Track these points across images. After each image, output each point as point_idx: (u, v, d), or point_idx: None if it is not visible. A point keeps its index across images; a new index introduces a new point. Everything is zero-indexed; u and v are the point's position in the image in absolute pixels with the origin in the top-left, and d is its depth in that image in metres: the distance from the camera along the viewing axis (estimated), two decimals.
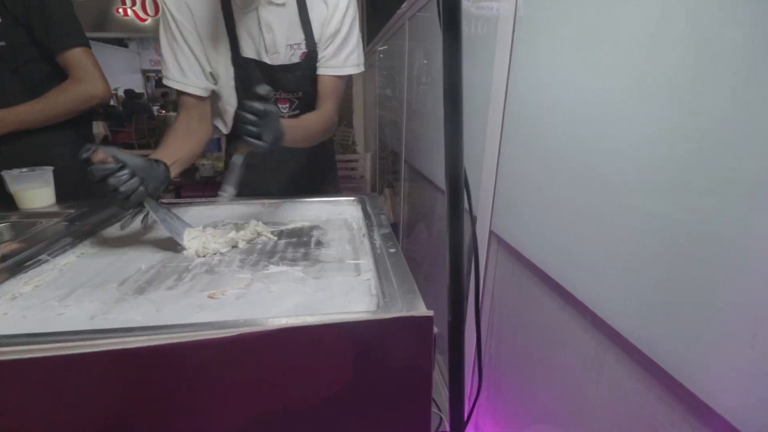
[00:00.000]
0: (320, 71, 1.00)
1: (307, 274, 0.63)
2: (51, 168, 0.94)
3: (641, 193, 0.59)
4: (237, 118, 0.71)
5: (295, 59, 0.99)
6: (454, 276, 0.43)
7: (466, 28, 1.22)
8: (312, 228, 0.84)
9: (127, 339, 0.39)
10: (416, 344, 0.44)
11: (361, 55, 1.04)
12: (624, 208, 0.62)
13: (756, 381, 0.35)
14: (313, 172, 1.21)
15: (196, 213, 0.94)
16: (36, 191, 0.91)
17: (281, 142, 0.74)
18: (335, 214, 0.94)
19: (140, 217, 0.85)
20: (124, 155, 0.68)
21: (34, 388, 0.40)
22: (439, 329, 0.51)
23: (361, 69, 1.04)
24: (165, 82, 0.95)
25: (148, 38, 9.13)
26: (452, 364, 0.46)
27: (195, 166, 2.20)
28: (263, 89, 0.70)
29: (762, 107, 0.36)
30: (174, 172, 0.82)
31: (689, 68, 0.45)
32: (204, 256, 0.69)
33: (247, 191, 1.01)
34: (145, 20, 6.50)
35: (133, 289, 0.57)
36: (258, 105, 0.68)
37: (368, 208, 0.92)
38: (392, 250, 0.67)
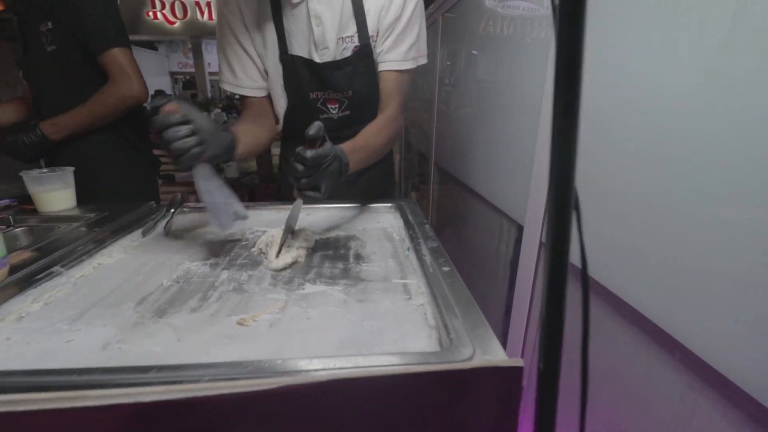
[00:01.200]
0: (381, 66, 0.91)
1: (348, 295, 0.54)
2: (72, 169, 0.89)
3: (738, 200, 0.48)
4: (288, 170, 0.67)
5: (347, 53, 0.90)
6: (551, 311, 0.33)
7: (512, 26, 1.12)
8: (348, 239, 0.75)
9: (140, 390, 0.31)
10: (500, 401, 0.34)
11: (425, 45, 0.95)
12: (719, 218, 0.51)
13: None
14: (373, 178, 1.09)
15: None
16: (55, 194, 0.86)
17: (340, 181, 0.70)
18: (372, 222, 0.85)
19: (163, 223, 0.79)
20: (195, 113, 0.62)
21: None
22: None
23: (424, 61, 0.96)
24: (221, 85, 0.96)
25: (176, 41, 9.34)
26: (540, 426, 0.36)
27: (221, 167, 2.16)
28: (314, 129, 0.63)
29: None
30: (239, 149, 0.75)
31: None
32: (282, 270, 0.62)
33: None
34: (173, 23, 6.61)
35: (153, 311, 0.50)
36: (309, 153, 0.62)
37: (409, 216, 0.82)
38: (446, 269, 0.58)
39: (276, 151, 2.05)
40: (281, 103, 0.97)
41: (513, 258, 1.19)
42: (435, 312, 0.48)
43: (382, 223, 0.84)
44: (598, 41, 0.75)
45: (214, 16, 7.27)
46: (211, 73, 7.66)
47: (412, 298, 0.53)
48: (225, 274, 0.60)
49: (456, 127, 1.78)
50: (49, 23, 1.03)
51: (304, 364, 0.36)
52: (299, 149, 0.63)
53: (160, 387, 0.31)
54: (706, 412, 0.58)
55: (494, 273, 1.33)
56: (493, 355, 0.39)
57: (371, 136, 0.86)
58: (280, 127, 1.02)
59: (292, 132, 1.02)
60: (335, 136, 0.72)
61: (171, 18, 6.28)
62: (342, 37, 0.89)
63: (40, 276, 0.56)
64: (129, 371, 0.36)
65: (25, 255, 0.62)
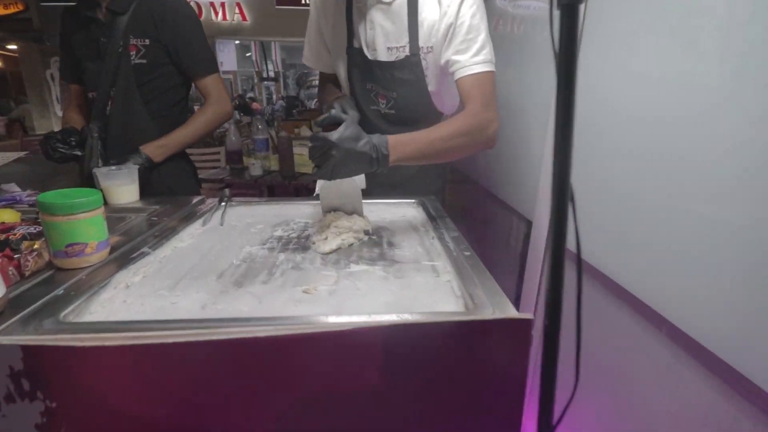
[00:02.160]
0: (454, 77, 0.93)
1: (387, 273, 0.66)
2: (137, 166, 1.02)
3: (731, 198, 0.58)
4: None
5: (392, 59, 0.98)
6: (554, 274, 0.44)
7: (525, 27, 1.22)
8: (380, 229, 0.87)
9: (253, 328, 0.43)
10: (514, 348, 0.46)
11: (491, 51, 0.92)
12: (707, 214, 0.62)
13: None
14: (422, 178, 1.15)
15: (258, 211, 0.99)
16: (124, 188, 0.98)
17: (376, 171, 0.76)
18: (398, 215, 0.97)
19: (219, 213, 0.91)
20: (351, 116, 0.79)
21: (169, 370, 0.45)
22: None
23: (492, 68, 0.91)
24: (303, 60, 1.17)
25: None
26: (545, 372, 0.47)
27: (245, 165, 2.29)
28: (323, 115, 0.75)
29: None
30: None
31: None
32: (329, 252, 0.74)
33: None
34: None
35: (232, 282, 0.62)
36: (311, 134, 0.75)
37: (431, 211, 0.94)
38: (467, 253, 0.69)
39: (297, 150, 2.17)
40: (344, 89, 1.10)
41: (523, 250, 1.30)
42: (460, 285, 0.59)
43: (407, 217, 0.96)
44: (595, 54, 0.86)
45: (228, 16, 7.27)
46: (224, 72, 7.81)
47: (439, 275, 0.65)
48: (282, 256, 0.72)
49: None
50: (147, 40, 1.17)
51: (367, 317, 0.48)
52: (318, 128, 0.76)
53: (267, 327, 0.43)
54: (689, 380, 0.68)
55: (505, 265, 1.45)
56: (509, 313, 0.50)
57: (438, 129, 0.84)
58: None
59: None
60: (383, 131, 0.80)
61: None
62: (390, 47, 0.98)
63: (134, 255, 0.69)
64: (234, 321, 0.48)
65: (116, 238, 0.75)
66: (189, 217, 0.90)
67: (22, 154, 1.40)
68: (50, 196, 0.61)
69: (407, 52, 0.96)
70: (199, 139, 1.28)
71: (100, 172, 0.97)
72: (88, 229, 0.63)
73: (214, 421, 0.47)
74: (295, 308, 0.54)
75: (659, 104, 0.71)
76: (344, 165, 0.72)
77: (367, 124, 1.05)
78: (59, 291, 0.56)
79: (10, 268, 0.69)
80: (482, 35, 0.92)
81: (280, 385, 0.46)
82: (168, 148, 1.20)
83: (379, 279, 0.63)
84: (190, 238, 0.81)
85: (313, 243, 0.76)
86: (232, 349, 0.43)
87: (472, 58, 0.91)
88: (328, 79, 1.18)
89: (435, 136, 0.82)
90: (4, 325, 0.47)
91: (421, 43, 0.95)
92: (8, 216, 0.86)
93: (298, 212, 0.99)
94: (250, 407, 0.47)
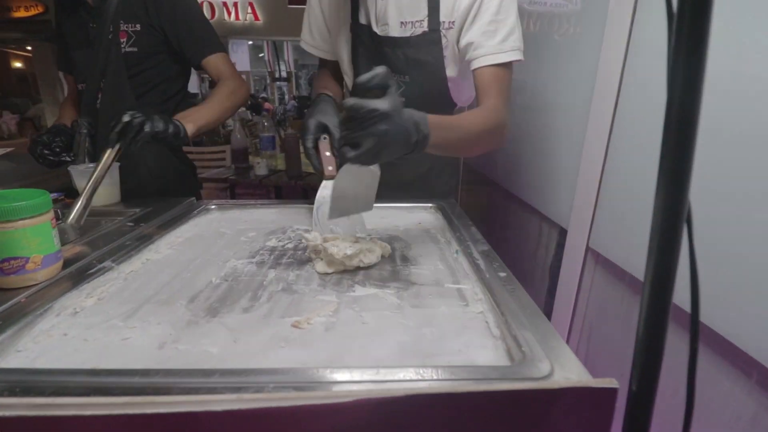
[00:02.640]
0: (472, 65, 0.79)
1: (402, 299, 0.52)
2: (117, 164, 0.90)
3: None
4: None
5: (407, 34, 0.84)
6: (652, 323, 0.30)
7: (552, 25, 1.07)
8: (391, 239, 0.73)
9: (208, 398, 0.29)
10: (589, 427, 0.31)
11: (521, 36, 0.79)
12: None
13: None
14: (436, 176, 1.01)
15: (254, 216, 0.87)
16: (101, 188, 0.86)
17: (411, 155, 0.59)
18: (413, 222, 0.83)
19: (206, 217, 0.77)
20: (394, 82, 0.56)
21: None
22: None
23: (521, 57, 0.78)
24: (300, 44, 1.01)
25: None
26: None
27: (250, 164, 2.17)
28: (369, 74, 0.53)
29: None
30: None
31: None
32: (332, 272, 0.59)
33: None
34: None
35: (205, 309, 0.49)
36: (351, 101, 0.52)
37: (453, 218, 0.80)
38: (502, 275, 0.55)
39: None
40: (348, 73, 0.94)
41: (553, 262, 1.14)
42: (499, 321, 0.45)
43: (424, 224, 0.82)
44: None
45: (240, 16, 7.29)
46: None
47: (469, 304, 0.51)
48: (272, 273, 0.59)
49: None
50: (138, 25, 1.05)
51: (373, 373, 0.34)
52: (354, 98, 0.54)
53: (230, 396, 0.29)
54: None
55: (530, 277, 1.29)
56: (572, 372, 0.36)
57: (466, 118, 0.74)
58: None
59: None
60: None
61: None
62: (404, 21, 0.82)
63: (92, 270, 0.56)
64: (192, 374, 0.35)
65: (76, 249, 0.62)
66: (170, 224, 0.77)
67: (8, 150, 1.30)
68: None
69: (425, 27, 0.81)
70: (225, 114, 1.09)
71: (76, 171, 0.86)
72: (29, 241, 0.50)
73: None
74: (278, 352, 0.41)
75: None
76: (391, 144, 0.55)
77: None
78: None
79: None
80: (513, 17, 0.78)
81: None
82: (196, 121, 0.98)
83: (391, 308, 0.49)
84: (168, 248, 0.69)
85: (317, 261, 0.61)
86: (179, 426, 0.30)
87: (500, 44, 0.77)
88: (327, 68, 1.02)
89: (467, 126, 0.71)
90: None
91: (442, 17, 0.80)
92: None
93: (298, 217, 0.86)
94: None
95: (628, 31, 0.78)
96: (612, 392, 0.30)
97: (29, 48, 6.00)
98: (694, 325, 0.30)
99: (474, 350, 0.41)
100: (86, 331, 0.45)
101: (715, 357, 0.63)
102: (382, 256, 0.63)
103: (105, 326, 0.46)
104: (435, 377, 0.35)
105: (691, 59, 0.25)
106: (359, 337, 0.44)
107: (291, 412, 0.29)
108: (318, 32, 0.95)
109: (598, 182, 0.89)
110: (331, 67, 1.01)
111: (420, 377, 0.35)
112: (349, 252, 0.57)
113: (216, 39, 1.13)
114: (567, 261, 1.04)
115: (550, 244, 1.19)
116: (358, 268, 0.60)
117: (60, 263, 0.55)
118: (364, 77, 0.53)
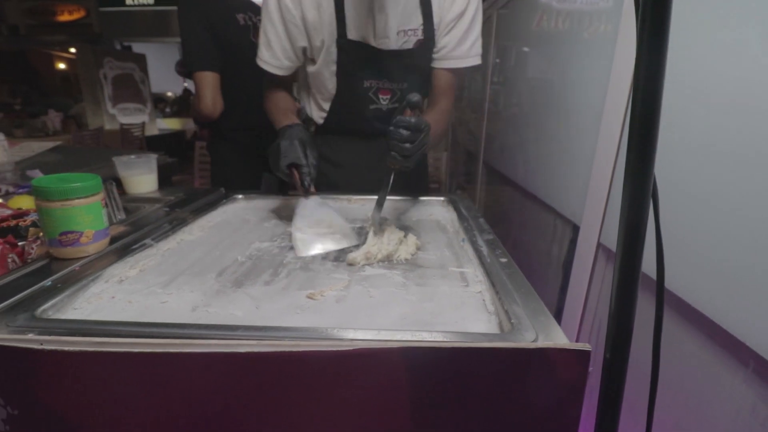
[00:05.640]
0: (439, 64, 0.87)
1: (407, 279, 0.56)
2: (156, 156, 0.99)
3: None
4: (390, 134, 0.66)
5: (408, 46, 0.87)
6: (622, 296, 0.33)
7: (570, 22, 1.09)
8: (404, 229, 0.77)
9: (234, 341, 0.35)
10: (562, 387, 0.35)
11: (481, 42, 0.89)
12: None
13: None
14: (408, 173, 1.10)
15: (276, 205, 0.93)
16: (141, 177, 0.95)
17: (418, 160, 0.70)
18: (425, 214, 0.87)
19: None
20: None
21: (136, 381, 0.38)
22: None
23: (479, 61, 0.89)
24: (257, 62, 0.91)
25: None
26: (602, 419, 0.36)
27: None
28: (416, 96, 0.65)
29: None
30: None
31: None
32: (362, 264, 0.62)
33: (336, 189, 0.98)
34: None
35: (231, 281, 0.55)
36: (414, 119, 0.65)
37: (462, 210, 0.83)
38: (503, 260, 0.59)
39: None
40: (327, 88, 0.92)
41: (566, 258, 1.16)
42: (494, 299, 0.49)
43: (435, 216, 0.86)
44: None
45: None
46: None
47: (469, 285, 0.55)
48: (292, 254, 0.65)
49: (508, 125, 1.75)
50: None
51: (374, 334, 0.39)
52: (400, 117, 0.66)
53: (251, 341, 0.35)
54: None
55: (544, 273, 1.31)
56: (557, 340, 0.39)
57: (434, 119, 0.81)
58: (323, 119, 0.96)
59: (338, 122, 0.96)
60: (383, 128, 0.72)
61: None
62: (403, 30, 0.85)
63: (135, 246, 0.63)
64: (219, 328, 0.41)
65: (121, 228, 0.70)
66: (202, 210, 0.84)
67: (58, 142, 1.42)
68: (46, 180, 0.57)
69: (420, 35, 0.86)
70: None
71: (119, 161, 0.95)
72: (84, 217, 0.58)
73: None
74: (294, 317, 0.46)
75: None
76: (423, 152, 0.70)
77: (364, 125, 0.95)
78: (47, 282, 0.52)
79: (12, 255, 0.66)
80: (480, 24, 0.87)
81: (264, 410, 0.38)
82: None
83: (397, 286, 0.54)
84: (199, 230, 0.76)
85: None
86: (209, 364, 0.36)
87: (468, 50, 0.87)
88: (281, 85, 0.96)
89: (434, 128, 0.78)
90: None
91: (435, 20, 0.86)
92: (25, 203, 0.84)
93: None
94: None
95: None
96: (586, 354, 0.34)
97: (72, 50, 6.38)
98: (660, 288, 0.33)
99: (469, 322, 0.46)
100: (130, 295, 0.52)
101: (715, 348, 0.64)
102: (417, 249, 0.67)
103: (146, 292, 0.52)
104: (429, 339, 0.39)
105: (653, 41, 0.29)
106: (366, 308, 0.48)
107: (300, 356, 0.34)
108: (281, 51, 0.88)
109: (610, 180, 0.91)
110: (287, 84, 0.99)
111: (418, 338, 0.39)
112: (388, 250, 0.63)
113: (195, 57, 1.22)
114: (579, 257, 1.06)
115: (563, 241, 1.21)
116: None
117: (107, 239, 0.63)
118: (416, 99, 0.65)
